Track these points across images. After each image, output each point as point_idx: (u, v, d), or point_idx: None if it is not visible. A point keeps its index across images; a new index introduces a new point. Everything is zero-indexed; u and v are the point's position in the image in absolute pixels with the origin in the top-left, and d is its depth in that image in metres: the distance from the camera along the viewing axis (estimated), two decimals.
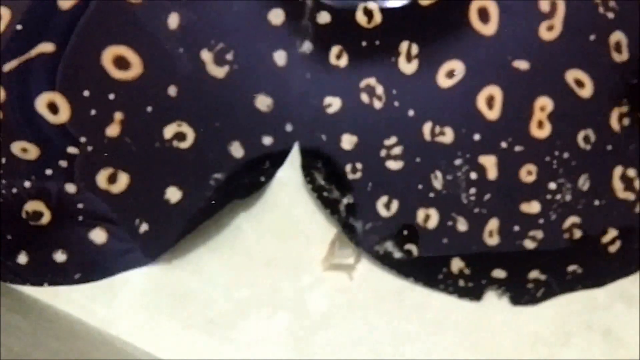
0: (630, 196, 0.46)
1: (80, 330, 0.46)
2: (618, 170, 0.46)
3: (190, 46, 0.44)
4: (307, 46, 0.46)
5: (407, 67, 0.46)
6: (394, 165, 0.46)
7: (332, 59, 0.46)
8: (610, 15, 0.45)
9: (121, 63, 0.43)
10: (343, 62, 0.46)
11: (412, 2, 0.45)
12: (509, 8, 0.45)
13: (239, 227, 0.48)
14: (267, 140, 0.46)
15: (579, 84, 0.45)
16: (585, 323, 0.47)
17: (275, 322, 0.47)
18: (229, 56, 0.44)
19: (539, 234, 0.46)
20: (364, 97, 0.46)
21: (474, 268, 0.46)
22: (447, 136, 0.45)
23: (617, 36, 0.45)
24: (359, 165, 0.46)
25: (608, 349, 0.46)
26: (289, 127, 0.46)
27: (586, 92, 0.45)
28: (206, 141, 0.45)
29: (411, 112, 0.46)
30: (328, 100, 0.46)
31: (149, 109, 0.44)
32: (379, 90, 0.45)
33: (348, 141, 0.46)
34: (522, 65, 0.45)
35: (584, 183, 0.45)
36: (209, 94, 0.44)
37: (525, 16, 0.45)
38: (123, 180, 0.45)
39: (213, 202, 0.45)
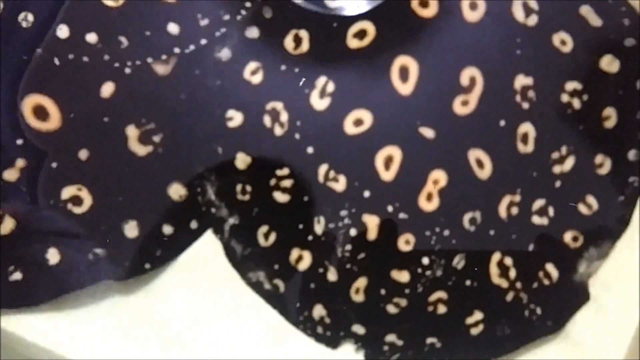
0: (504, 283, 0.46)
1: (34, 354, 0.44)
2: (496, 256, 0.46)
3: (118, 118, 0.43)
4: (225, 53, 0.44)
5: (319, 103, 0.44)
6: (280, 197, 0.45)
7: (247, 73, 0.44)
8: (525, 105, 0.45)
9: (40, 113, 0.42)
10: (256, 79, 0.44)
11: (341, 41, 0.44)
12: (430, 72, 0.44)
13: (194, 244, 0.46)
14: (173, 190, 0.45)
15: (480, 164, 0.45)
16: None
17: (236, 336, 0.46)
18: (156, 138, 0.43)
19: (403, 302, 0.45)
20: (267, 120, 0.44)
21: (335, 319, 0.46)
22: (340, 184, 0.44)
23: (526, 127, 0.45)
24: (248, 188, 0.45)
25: None
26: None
27: (484, 174, 0.45)
28: (104, 214, 0.43)
29: (310, 149, 0.44)
30: (231, 113, 0.44)
31: (54, 164, 0.42)
32: (284, 117, 0.44)
33: (242, 160, 0.44)
34: (427, 132, 0.44)
35: (459, 262, 0.45)
36: (122, 169, 0.43)
37: (443, 84, 0.44)
38: None
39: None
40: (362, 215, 0.44)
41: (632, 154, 0.46)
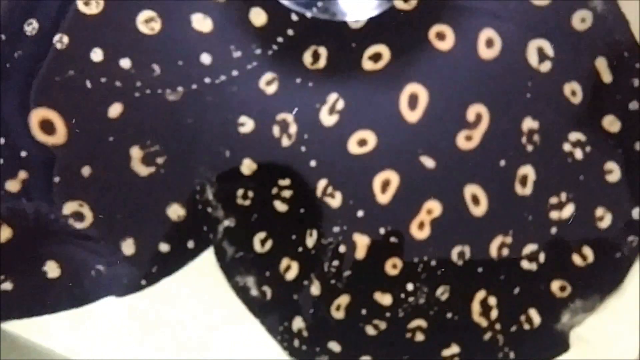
0: (483, 322, 0.46)
1: (34, 354, 0.45)
2: (481, 294, 0.46)
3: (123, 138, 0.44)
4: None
5: (327, 119, 0.45)
6: (280, 206, 0.45)
7: (262, 83, 0.45)
8: (530, 148, 0.45)
9: (47, 126, 0.43)
10: (271, 89, 0.45)
11: (357, 61, 0.45)
12: (438, 103, 0.45)
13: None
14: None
15: (475, 200, 0.45)
16: None
17: (248, 341, 0.47)
18: (160, 160, 0.44)
19: (383, 324, 0.46)
20: (276, 130, 0.45)
21: (313, 333, 0.46)
22: (336, 200, 0.45)
23: (527, 170, 0.45)
24: (250, 194, 0.45)
25: None
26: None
27: (479, 210, 0.45)
28: (103, 231, 0.44)
29: (313, 163, 0.45)
30: (243, 119, 0.45)
31: (57, 179, 0.43)
32: (292, 129, 0.45)
33: (248, 166, 0.45)
34: (428, 162, 0.45)
35: (442, 293, 0.45)
36: (123, 188, 0.44)
37: (449, 117, 0.45)
38: None
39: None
40: (353, 233, 0.45)
41: (635, 213, 0.46)
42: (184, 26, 0.44)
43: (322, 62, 0.45)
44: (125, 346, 0.46)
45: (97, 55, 0.43)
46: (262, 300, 0.46)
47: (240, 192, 0.45)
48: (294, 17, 0.45)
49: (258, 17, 0.45)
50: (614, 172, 0.46)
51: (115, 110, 0.44)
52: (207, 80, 0.44)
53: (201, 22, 0.44)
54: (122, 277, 0.45)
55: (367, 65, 0.45)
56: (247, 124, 0.45)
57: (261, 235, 0.45)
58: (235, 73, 0.45)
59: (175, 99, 0.44)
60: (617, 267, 0.46)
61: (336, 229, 0.45)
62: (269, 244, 0.45)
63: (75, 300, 0.45)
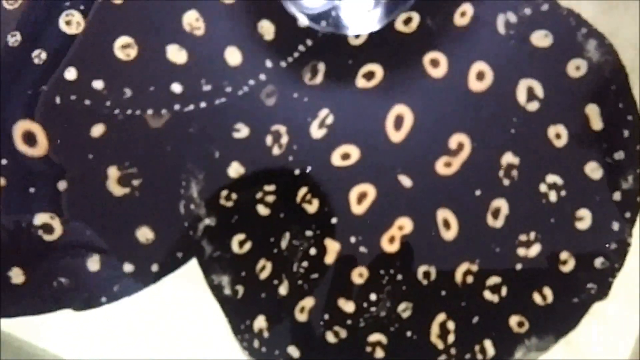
0: (440, 344, 0.47)
1: (34, 354, 0.47)
2: (441, 316, 0.47)
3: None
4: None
5: (316, 132, 0.47)
6: (262, 210, 0.47)
7: (263, 95, 0.47)
8: (506, 182, 0.46)
9: (29, 139, 0.45)
10: (270, 101, 0.47)
11: (352, 78, 0.47)
12: (422, 127, 0.47)
13: None
14: None
15: (446, 224, 0.46)
16: None
17: None
18: (136, 182, 0.46)
19: (343, 332, 0.47)
20: (268, 140, 0.47)
21: (274, 335, 0.47)
22: (312, 206, 0.47)
23: (500, 203, 0.46)
24: (234, 196, 0.47)
25: None
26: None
27: (449, 234, 0.46)
28: (70, 245, 0.46)
29: (297, 171, 0.47)
30: (239, 125, 0.47)
31: (32, 190, 0.45)
32: (284, 139, 0.47)
33: (235, 170, 0.47)
34: (405, 181, 0.46)
35: (404, 309, 0.47)
36: (95, 206, 0.46)
37: (431, 142, 0.47)
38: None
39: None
40: (325, 238, 0.46)
41: (598, 262, 0.47)
42: (159, 55, 0.46)
43: (319, 78, 0.47)
44: (124, 346, 0.47)
45: (71, 74, 0.45)
46: (233, 299, 0.47)
47: (224, 192, 0.47)
48: (268, 64, 0.47)
49: (232, 56, 0.47)
50: (585, 219, 0.46)
51: (97, 130, 0.45)
52: (176, 107, 0.46)
53: (176, 54, 0.46)
54: (83, 291, 0.46)
55: (360, 82, 0.47)
56: (242, 131, 0.47)
57: (240, 236, 0.47)
58: (203, 105, 0.46)
59: (157, 125, 0.46)
60: (574, 312, 0.47)
61: (309, 233, 0.47)
62: (247, 246, 0.47)
63: (34, 308, 0.46)
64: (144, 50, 0.46)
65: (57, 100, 0.45)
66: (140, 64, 0.46)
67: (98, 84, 0.45)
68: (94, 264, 0.46)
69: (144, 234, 0.46)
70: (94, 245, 0.46)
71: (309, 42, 0.47)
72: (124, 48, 0.46)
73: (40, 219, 0.45)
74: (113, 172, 0.46)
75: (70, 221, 0.45)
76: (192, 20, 0.46)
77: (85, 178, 0.45)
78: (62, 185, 0.45)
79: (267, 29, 0.47)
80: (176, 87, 0.46)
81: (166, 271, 0.47)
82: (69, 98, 0.45)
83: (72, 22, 0.46)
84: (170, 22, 0.46)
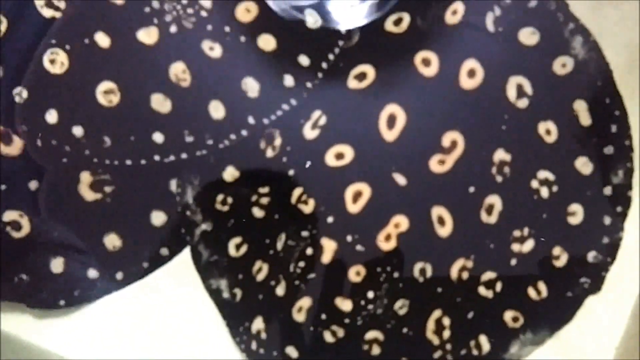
0: (435, 340, 0.47)
1: (34, 354, 0.46)
2: (437, 313, 0.47)
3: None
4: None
5: (309, 133, 0.48)
6: (257, 212, 0.47)
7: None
8: (499, 179, 0.47)
9: (5, 137, 0.45)
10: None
11: (343, 80, 0.48)
12: (415, 126, 0.47)
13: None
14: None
15: (441, 221, 0.47)
16: None
17: None
18: (108, 189, 0.46)
19: (341, 331, 0.47)
20: (262, 143, 0.47)
21: (271, 336, 0.47)
22: (308, 207, 0.47)
23: (494, 199, 0.47)
24: (229, 200, 0.47)
25: None
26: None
27: (444, 231, 0.47)
28: (35, 245, 0.46)
29: (291, 172, 0.47)
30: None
31: (3, 187, 0.45)
32: (278, 142, 0.47)
33: (230, 174, 0.47)
34: (400, 179, 0.47)
35: (401, 307, 0.47)
36: (65, 208, 0.46)
37: (425, 140, 0.47)
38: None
39: None
40: (321, 238, 0.47)
41: (591, 255, 0.47)
42: (143, 103, 0.46)
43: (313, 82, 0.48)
44: (124, 346, 0.47)
45: (52, 117, 0.46)
46: (232, 302, 0.47)
47: (219, 197, 0.47)
48: (251, 120, 0.47)
49: (216, 110, 0.47)
50: (577, 214, 0.47)
51: (84, 178, 0.46)
52: (156, 158, 0.46)
53: (161, 103, 0.47)
54: (43, 291, 0.46)
55: (352, 83, 0.47)
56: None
57: (237, 240, 0.47)
58: (184, 156, 0.47)
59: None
60: (568, 306, 0.47)
61: (305, 233, 0.47)
62: (243, 249, 0.47)
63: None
64: (127, 97, 0.46)
65: (39, 143, 0.45)
66: (122, 110, 0.46)
67: (78, 131, 0.46)
68: (57, 265, 0.46)
69: (112, 241, 0.46)
70: (61, 246, 0.46)
71: (294, 102, 0.47)
72: (107, 94, 0.46)
73: (8, 216, 0.45)
74: (86, 177, 0.46)
75: (41, 220, 0.46)
76: (179, 72, 0.47)
77: (58, 181, 0.46)
78: (33, 185, 0.45)
79: (251, 86, 0.47)
80: (158, 137, 0.46)
81: (131, 280, 0.47)
82: (50, 142, 0.45)
83: (56, 61, 0.45)
84: (156, 71, 0.46)
